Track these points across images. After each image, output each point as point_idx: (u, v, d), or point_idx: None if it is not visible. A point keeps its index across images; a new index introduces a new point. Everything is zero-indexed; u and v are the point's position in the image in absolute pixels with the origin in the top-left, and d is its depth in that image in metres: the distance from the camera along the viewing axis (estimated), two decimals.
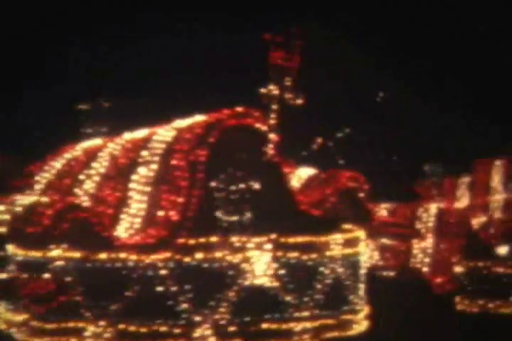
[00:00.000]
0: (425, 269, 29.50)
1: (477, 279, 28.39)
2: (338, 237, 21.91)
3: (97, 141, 24.87)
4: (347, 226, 23.96)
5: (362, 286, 22.71)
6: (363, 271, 22.85)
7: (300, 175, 25.81)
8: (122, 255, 19.99)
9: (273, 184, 22.20)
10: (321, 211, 23.27)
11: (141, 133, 23.66)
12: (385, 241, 29.00)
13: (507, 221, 33.57)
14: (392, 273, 28.86)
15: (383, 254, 29.94)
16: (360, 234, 23.15)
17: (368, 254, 30.30)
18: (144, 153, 22.14)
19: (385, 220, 29.43)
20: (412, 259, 29.84)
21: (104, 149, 23.69)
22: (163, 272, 19.96)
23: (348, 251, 22.26)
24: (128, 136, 23.71)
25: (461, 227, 30.61)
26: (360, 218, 25.64)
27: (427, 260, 29.65)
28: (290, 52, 23.13)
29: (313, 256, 21.12)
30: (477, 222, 33.41)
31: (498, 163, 40.64)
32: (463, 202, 39.71)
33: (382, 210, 32.16)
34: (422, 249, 30.07)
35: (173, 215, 20.14)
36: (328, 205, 23.95)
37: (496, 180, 40.01)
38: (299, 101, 22.23)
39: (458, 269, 28.74)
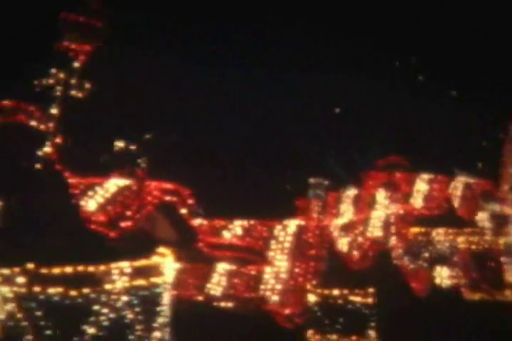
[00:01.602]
0: (275, 298, 24.56)
1: (331, 310, 23.57)
2: (124, 266, 16.78)
3: None
4: (162, 249, 18.94)
5: (162, 326, 17.60)
6: (164, 307, 17.76)
7: (108, 188, 20.64)
8: None
9: (47, 196, 16.97)
10: (118, 231, 18.15)
11: None
12: (224, 266, 23.92)
13: (376, 242, 28.82)
14: (231, 304, 23.79)
15: (231, 281, 24.83)
16: (165, 260, 18.03)
17: (215, 280, 25.56)
18: None
19: (221, 242, 24.35)
20: (263, 286, 24.84)
21: None
22: None
23: (141, 282, 17.13)
24: None
25: (321, 248, 25.76)
26: (180, 239, 20.60)
27: (278, 287, 24.69)
28: (86, 34, 18.02)
29: (86, 290, 16.02)
30: (345, 242, 28.66)
31: (387, 175, 36.28)
32: (346, 217, 35.07)
33: (237, 228, 27.12)
34: (275, 274, 25.10)
35: None
36: (133, 224, 18.84)
37: (383, 193, 35.49)
38: (84, 93, 17.11)
39: (311, 298, 23.85)
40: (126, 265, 16.13)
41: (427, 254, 33.46)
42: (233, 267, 24.78)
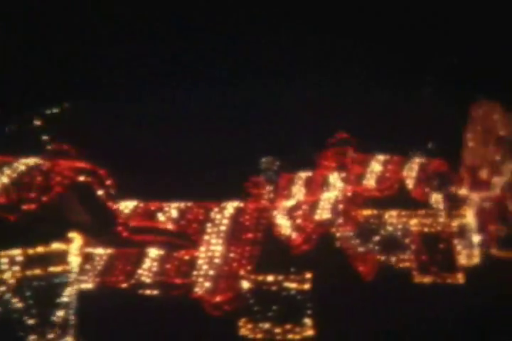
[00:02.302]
0: (207, 284, 22.84)
1: (265, 297, 21.88)
2: (15, 253, 14.96)
3: None
4: (70, 235, 17.15)
5: (64, 320, 15.82)
6: (67, 299, 15.98)
7: (17, 167, 18.71)
8: None
9: None
10: (18, 215, 16.32)
11: None
12: (156, 250, 22.14)
13: (322, 225, 27.11)
14: (159, 291, 21.98)
15: (163, 266, 23.05)
16: (69, 247, 16.22)
17: (146, 266, 23.79)
18: None
19: (151, 226, 22.49)
20: (195, 271, 23.09)
21: None
22: None
23: (36, 272, 15.37)
24: None
25: (258, 232, 24.03)
26: (97, 223, 18.80)
27: (211, 273, 22.97)
28: None
29: None
30: (287, 224, 26.89)
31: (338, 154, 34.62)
32: (296, 199, 33.37)
33: (172, 210, 25.31)
34: (209, 259, 23.36)
35: None
36: (37, 207, 16.99)
37: (336, 175, 33.84)
38: None
39: (244, 285, 22.17)
40: (17, 253, 14.35)
41: (378, 237, 32.08)
42: (166, 252, 23.11)
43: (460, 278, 29.46)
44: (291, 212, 29.61)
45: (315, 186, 31.93)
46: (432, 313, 24.41)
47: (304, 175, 31.93)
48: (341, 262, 25.55)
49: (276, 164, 35.16)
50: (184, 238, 22.62)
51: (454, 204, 33.28)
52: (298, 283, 21.21)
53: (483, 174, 40.46)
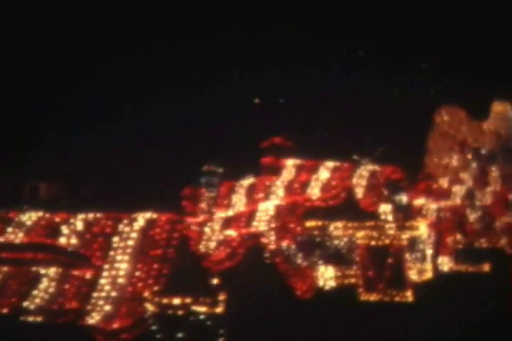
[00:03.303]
0: (108, 308, 19.87)
1: (170, 323, 19.00)
2: None
3: None
4: None
5: None
6: None
7: None
8: None
9: None
10: None
11: None
12: (54, 269, 19.22)
13: (251, 237, 24.24)
14: (47, 317, 18.92)
15: (61, 286, 20.15)
16: None
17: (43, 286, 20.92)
18: None
19: (45, 241, 19.50)
20: (96, 293, 20.17)
21: None
22: None
23: None
24: None
25: (169, 247, 21.16)
26: None
27: (113, 294, 20.07)
28: None
29: None
30: (211, 238, 23.99)
31: (289, 162, 32.02)
32: (236, 209, 30.63)
33: (78, 222, 22.43)
34: (112, 278, 20.45)
35: None
36: None
37: (280, 181, 31.24)
38: None
39: (149, 308, 19.29)
40: None
41: (320, 251, 29.41)
42: (65, 270, 20.23)
43: (409, 295, 26.91)
44: (224, 224, 26.97)
45: (255, 195, 29.35)
46: (377, 335, 21.83)
47: (248, 182, 29.35)
48: (269, 279, 22.76)
49: (217, 171, 32.27)
50: (87, 254, 19.83)
51: (406, 215, 30.79)
52: (209, 306, 18.46)
53: (444, 182, 38.15)
